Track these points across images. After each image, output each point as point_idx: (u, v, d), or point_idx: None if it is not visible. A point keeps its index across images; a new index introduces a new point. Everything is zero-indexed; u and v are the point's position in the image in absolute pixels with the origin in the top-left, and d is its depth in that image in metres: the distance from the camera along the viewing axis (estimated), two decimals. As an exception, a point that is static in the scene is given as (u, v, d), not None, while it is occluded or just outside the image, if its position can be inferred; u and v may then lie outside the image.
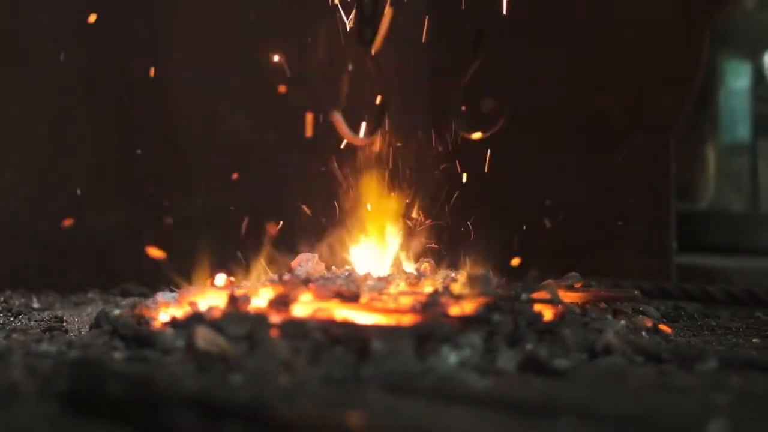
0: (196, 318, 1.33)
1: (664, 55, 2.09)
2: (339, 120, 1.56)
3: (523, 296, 1.38)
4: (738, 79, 2.57)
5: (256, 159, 2.26)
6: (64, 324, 1.64)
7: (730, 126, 2.59)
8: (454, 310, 1.36)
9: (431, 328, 1.27)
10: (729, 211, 2.53)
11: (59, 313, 1.78)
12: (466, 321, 1.31)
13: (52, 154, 2.19)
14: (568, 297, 1.51)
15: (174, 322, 1.37)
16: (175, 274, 1.70)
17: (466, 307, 1.38)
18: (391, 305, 1.39)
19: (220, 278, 1.50)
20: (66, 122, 2.19)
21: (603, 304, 1.55)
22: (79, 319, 1.74)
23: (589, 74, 2.16)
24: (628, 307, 1.56)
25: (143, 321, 1.44)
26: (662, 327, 1.48)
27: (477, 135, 1.66)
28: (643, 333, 1.44)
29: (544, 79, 2.19)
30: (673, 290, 1.90)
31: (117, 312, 1.45)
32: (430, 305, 1.35)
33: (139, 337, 1.34)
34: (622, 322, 1.45)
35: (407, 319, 1.33)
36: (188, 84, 2.22)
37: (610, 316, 1.47)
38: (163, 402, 1.01)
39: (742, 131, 2.56)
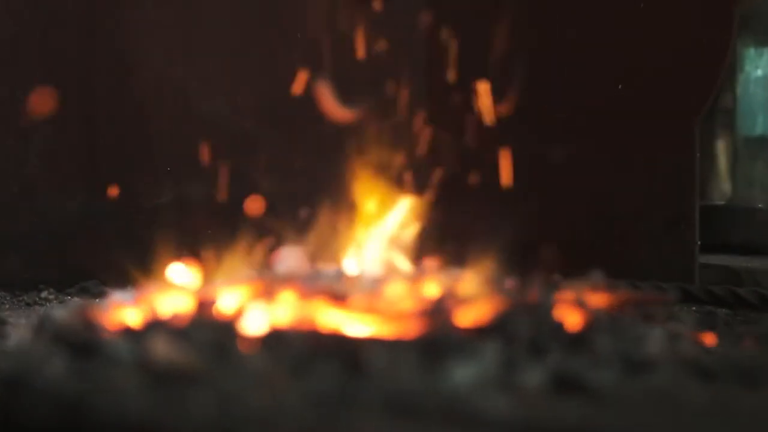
0: (154, 323, 1.12)
1: (689, 37, 1.89)
2: (324, 90, 1.34)
3: (547, 300, 1.17)
4: (758, 68, 2.39)
5: (232, 144, 2.06)
6: (7, 327, 1.46)
7: (750, 117, 2.40)
8: (464, 316, 1.16)
9: (438, 337, 1.07)
10: (750, 207, 2.35)
11: (4, 314, 1.61)
12: (479, 329, 1.11)
13: (2, 136, 2.00)
14: (592, 299, 1.31)
15: (129, 329, 1.16)
16: (140, 271, 1.53)
17: (478, 312, 1.18)
18: (390, 310, 1.19)
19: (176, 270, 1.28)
20: (18, 99, 1.98)
21: (630, 307, 1.35)
22: (27, 322, 1.55)
23: (606, 57, 1.97)
24: (660, 312, 1.36)
25: (94, 326, 1.22)
26: (704, 336, 1.29)
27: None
28: (683, 343, 1.24)
29: (555, 62, 2.00)
30: (698, 293, 1.70)
31: (62, 315, 1.23)
32: (436, 310, 1.15)
33: (86, 345, 1.13)
34: (657, 328, 1.25)
35: (409, 327, 1.13)
36: (157, 59, 2.01)
37: (643, 323, 1.27)
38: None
39: (764, 123, 2.38)
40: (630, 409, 1.00)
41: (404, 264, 1.47)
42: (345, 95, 1.39)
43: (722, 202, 2.41)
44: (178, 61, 2.03)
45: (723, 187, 2.44)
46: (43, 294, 1.86)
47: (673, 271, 1.90)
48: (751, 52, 2.40)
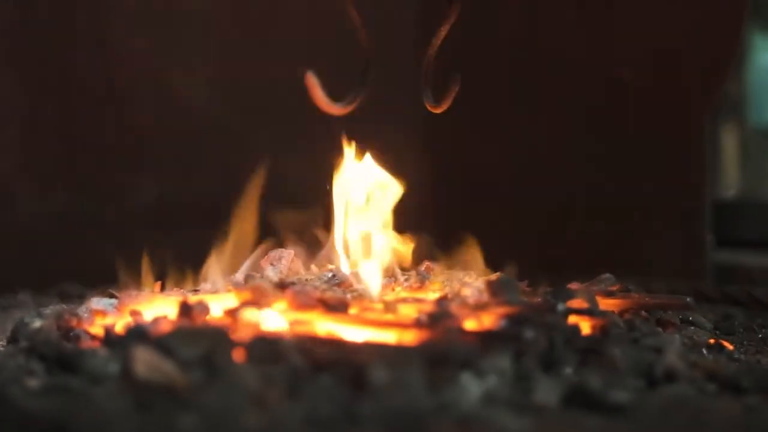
0: (137, 333, 1.02)
1: (699, 21, 1.79)
2: (314, 83, 1.24)
3: (559, 306, 1.08)
4: (767, 57, 2.30)
5: (219, 136, 1.96)
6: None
7: (759, 108, 2.31)
8: (471, 324, 1.07)
9: (445, 348, 0.98)
10: (763, 202, 2.26)
11: (-22, 320, 1.48)
12: (488, 338, 1.02)
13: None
14: (605, 305, 1.23)
15: (109, 339, 1.07)
16: (122, 273, 1.43)
17: (485, 320, 1.09)
18: (390, 317, 1.10)
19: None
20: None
21: (644, 313, 1.27)
22: (2, 329, 1.45)
23: (609, 42, 1.87)
24: (676, 317, 1.27)
25: (72, 335, 1.13)
26: (724, 343, 1.20)
27: (440, 108, 1.36)
28: (704, 351, 1.16)
29: (554, 49, 1.90)
30: (711, 293, 1.61)
31: (37, 324, 1.14)
32: (440, 317, 1.06)
33: (63, 358, 1.04)
34: (676, 336, 1.17)
35: (411, 336, 1.04)
36: (139, 45, 1.90)
37: (660, 330, 1.19)
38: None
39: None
40: (651, 424, 0.92)
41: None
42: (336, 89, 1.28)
43: (733, 197, 2.32)
44: (160, 51, 1.92)
45: (732, 180, 2.36)
46: (20, 296, 1.73)
47: (684, 268, 1.81)
48: (760, 39, 2.30)
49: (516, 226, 1.92)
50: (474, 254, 1.37)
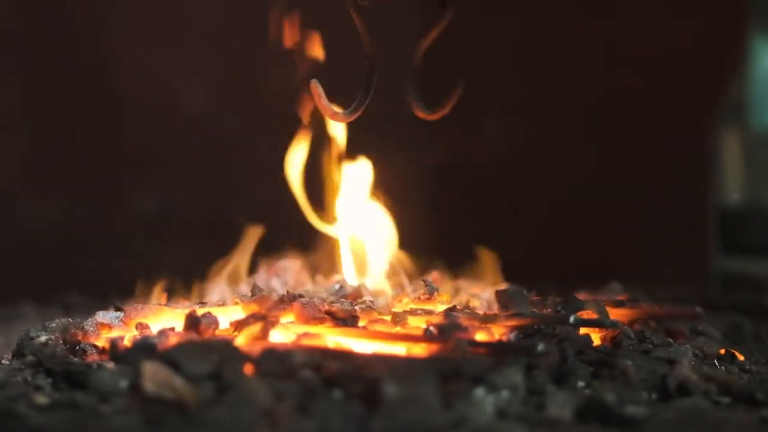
0: (144, 347, 1.01)
1: (701, 27, 1.78)
2: (318, 91, 1.22)
3: (571, 318, 1.07)
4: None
5: (220, 144, 1.94)
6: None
7: (763, 111, 2.30)
8: (481, 336, 1.06)
9: (457, 361, 0.97)
10: (766, 207, 2.24)
11: (-20, 333, 1.47)
12: (499, 351, 1.01)
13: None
14: (614, 315, 1.21)
15: (116, 353, 1.05)
16: (126, 281, 1.41)
17: (495, 332, 1.08)
18: (399, 329, 1.08)
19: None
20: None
21: (652, 323, 1.25)
22: (5, 340, 1.43)
23: (611, 46, 1.86)
24: (686, 327, 1.26)
25: (79, 350, 1.12)
26: (735, 353, 1.19)
27: (433, 116, 1.34)
28: (716, 362, 1.15)
29: (553, 53, 1.89)
30: (718, 301, 1.61)
31: (43, 338, 1.12)
32: (450, 328, 1.05)
33: (70, 373, 1.02)
34: (688, 347, 1.15)
35: (421, 349, 1.03)
36: (139, 54, 1.89)
37: (671, 341, 1.18)
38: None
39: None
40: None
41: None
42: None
43: (737, 203, 2.31)
44: (161, 56, 1.90)
45: (735, 185, 2.34)
46: (23, 307, 1.72)
47: (689, 274, 1.80)
48: (763, 44, 2.29)
49: (518, 231, 1.91)
50: (481, 264, 1.36)
